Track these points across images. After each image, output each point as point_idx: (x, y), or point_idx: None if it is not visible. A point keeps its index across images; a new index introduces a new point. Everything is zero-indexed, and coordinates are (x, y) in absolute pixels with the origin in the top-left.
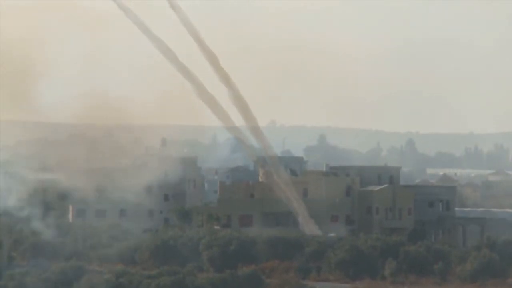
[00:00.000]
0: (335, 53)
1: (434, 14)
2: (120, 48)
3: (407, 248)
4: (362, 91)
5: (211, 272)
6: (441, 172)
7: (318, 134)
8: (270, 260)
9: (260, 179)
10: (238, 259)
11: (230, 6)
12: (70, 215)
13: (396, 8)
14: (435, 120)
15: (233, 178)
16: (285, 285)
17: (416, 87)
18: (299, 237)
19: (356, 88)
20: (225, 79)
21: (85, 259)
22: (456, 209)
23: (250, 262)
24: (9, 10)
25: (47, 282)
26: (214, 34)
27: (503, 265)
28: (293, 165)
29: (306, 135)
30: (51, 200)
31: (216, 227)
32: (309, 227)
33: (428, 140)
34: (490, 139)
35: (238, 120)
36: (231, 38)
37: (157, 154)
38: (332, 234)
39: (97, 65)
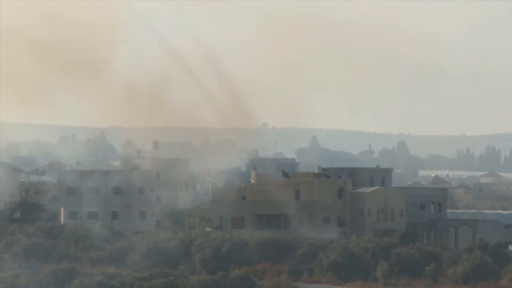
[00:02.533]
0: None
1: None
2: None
3: (399, 250)
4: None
5: (203, 274)
6: (433, 174)
7: (310, 136)
8: (262, 262)
9: (252, 181)
10: (230, 261)
11: None
12: (62, 217)
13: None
14: (427, 121)
15: (225, 180)
16: (277, 287)
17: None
18: (291, 239)
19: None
20: (223, 79)
21: (76, 261)
22: (448, 210)
23: (242, 264)
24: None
25: (38, 284)
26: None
27: (495, 267)
28: (285, 167)
29: (298, 137)
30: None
31: (208, 229)
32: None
33: (420, 142)
34: (482, 141)
35: (231, 121)
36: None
37: (149, 156)
38: (324, 236)
39: None
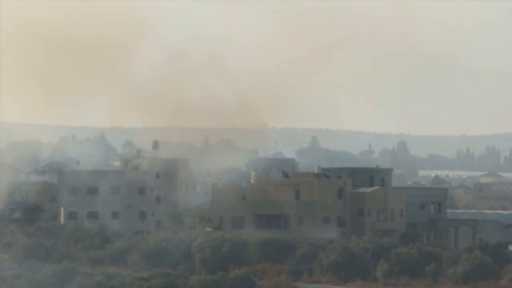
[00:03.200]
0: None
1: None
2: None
3: (399, 250)
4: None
5: (203, 274)
6: (433, 174)
7: (310, 136)
8: (262, 262)
9: (252, 181)
10: (230, 261)
11: None
12: (62, 217)
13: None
14: (427, 121)
15: (225, 180)
16: (277, 287)
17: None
18: (291, 239)
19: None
20: (226, 79)
21: (76, 261)
22: (448, 210)
23: (242, 264)
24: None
25: (38, 284)
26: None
27: (495, 267)
28: (285, 167)
29: (298, 137)
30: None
31: (208, 229)
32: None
33: (420, 142)
34: (482, 141)
35: (231, 121)
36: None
37: (149, 156)
38: (324, 236)
39: None
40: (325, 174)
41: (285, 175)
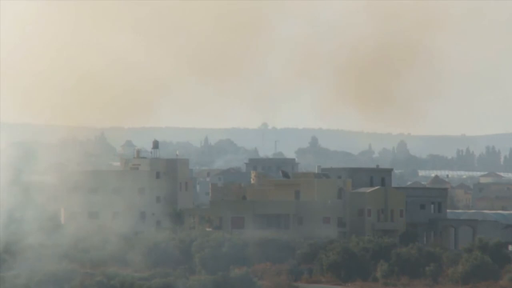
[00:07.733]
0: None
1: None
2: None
3: (399, 250)
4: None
5: (203, 274)
6: (433, 174)
7: (310, 136)
8: (262, 262)
9: (252, 181)
10: (230, 261)
11: None
12: (62, 217)
13: None
14: (427, 121)
15: (225, 180)
16: (277, 287)
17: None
18: (291, 239)
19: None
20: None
21: (77, 261)
22: (448, 211)
23: (242, 264)
24: None
25: (39, 284)
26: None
27: (495, 267)
28: (285, 167)
29: (298, 137)
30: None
31: (208, 229)
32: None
33: (420, 142)
34: (482, 141)
35: (231, 122)
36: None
37: (149, 156)
38: (324, 236)
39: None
40: (325, 174)
41: (285, 175)
